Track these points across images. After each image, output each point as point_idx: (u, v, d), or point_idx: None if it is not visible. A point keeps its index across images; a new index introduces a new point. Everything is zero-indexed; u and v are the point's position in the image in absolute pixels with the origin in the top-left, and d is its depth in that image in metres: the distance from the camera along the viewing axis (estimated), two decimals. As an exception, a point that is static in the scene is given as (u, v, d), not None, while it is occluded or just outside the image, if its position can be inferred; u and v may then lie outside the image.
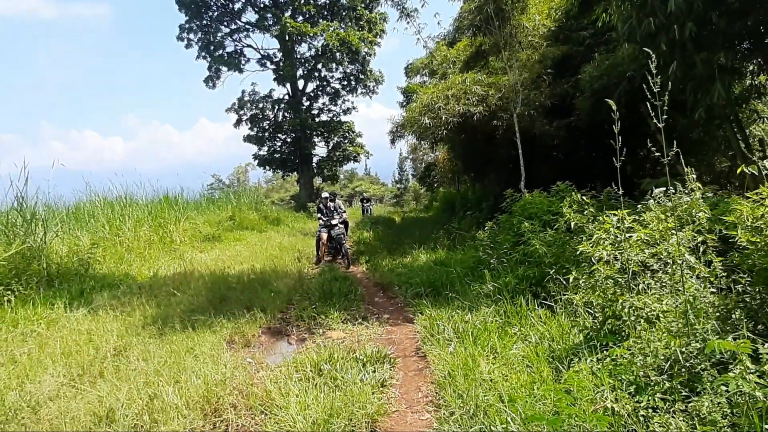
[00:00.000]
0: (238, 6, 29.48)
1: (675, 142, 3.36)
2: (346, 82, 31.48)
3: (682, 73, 6.99)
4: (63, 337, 5.34)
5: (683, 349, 2.93)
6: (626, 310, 3.47)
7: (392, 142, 21.92)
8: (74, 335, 5.44)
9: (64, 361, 4.64)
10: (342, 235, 10.96)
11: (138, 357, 4.69)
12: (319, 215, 11.52)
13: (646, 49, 3.59)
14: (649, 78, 3.21)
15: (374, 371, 4.29)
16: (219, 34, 29.57)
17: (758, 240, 3.21)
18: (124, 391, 3.84)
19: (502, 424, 2.93)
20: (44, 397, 3.89)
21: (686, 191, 3.76)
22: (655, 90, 3.17)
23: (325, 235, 11.09)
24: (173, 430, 3.32)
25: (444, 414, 3.42)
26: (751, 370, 2.42)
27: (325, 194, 11.90)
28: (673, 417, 2.59)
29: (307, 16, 29.60)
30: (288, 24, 26.68)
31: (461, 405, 3.38)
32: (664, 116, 3.22)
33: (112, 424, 3.39)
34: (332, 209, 11.47)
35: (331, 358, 4.49)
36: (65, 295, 7.11)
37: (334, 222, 11.08)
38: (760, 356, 2.51)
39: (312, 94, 31.48)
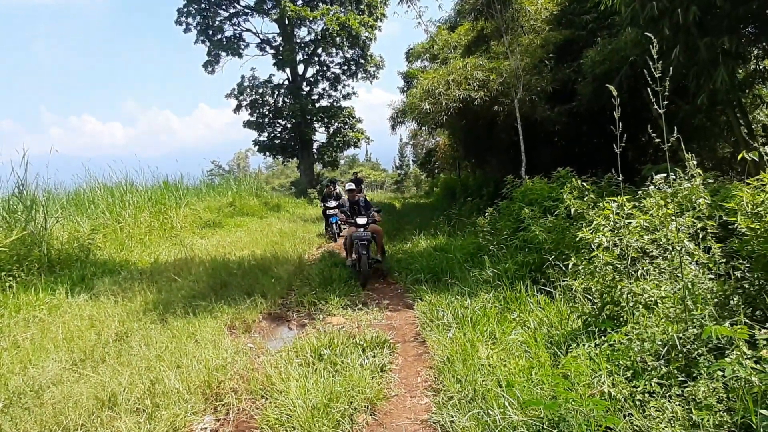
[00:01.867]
0: (236, -11, 29.11)
1: (676, 128, 3.34)
2: (346, 67, 31.18)
3: (685, 58, 6.92)
4: (65, 323, 5.38)
5: (680, 335, 2.95)
6: (625, 296, 3.49)
7: (393, 128, 21.87)
8: (76, 321, 5.47)
9: (66, 346, 4.68)
10: (366, 243, 7.43)
11: (139, 342, 4.72)
12: (343, 209, 8.57)
13: (648, 34, 3.55)
14: (651, 63, 3.18)
15: (374, 356, 4.32)
16: (218, 18, 29.18)
17: (758, 226, 3.21)
18: (126, 375, 3.87)
19: (500, 408, 2.95)
20: (47, 381, 3.93)
21: (687, 177, 3.75)
22: (656, 75, 3.14)
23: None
24: (175, 414, 3.36)
25: (442, 398, 3.45)
26: (748, 356, 2.43)
27: (349, 185, 8.99)
28: (669, 401, 2.62)
29: (307, -1, 29.25)
30: (287, 7, 26.34)
31: (460, 390, 3.42)
32: (665, 102, 3.19)
33: (115, 408, 3.43)
34: (361, 205, 8.59)
35: (331, 343, 4.53)
36: (66, 281, 7.14)
37: (361, 221, 7.86)
38: (757, 342, 2.52)
39: (312, 80, 31.21)
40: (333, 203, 12.43)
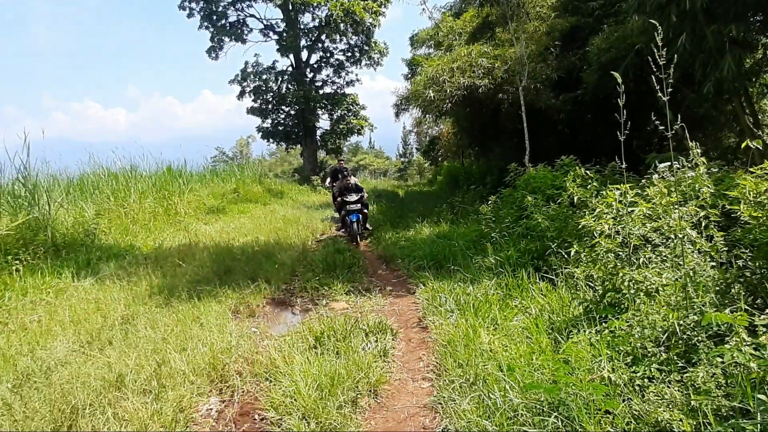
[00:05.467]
0: (240, -26, 28.80)
1: (681, 116, 3.33)
2: (350, 54, 30.95)
3: (691, 46, 6.86)
4: (71, 306, 5.44)
5: (681, 322, 2.97)
6: (626, 283, 3.50)
7: (396, 115, 21.62)
8: (82, 304, 5.54)
9: (73, 329, 4.75)
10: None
11: (145, 325, 4.78)
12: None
13: (654, 22, 3.52)
14: (656, 50, 3.16)
15: (377, 341, 4.37)
16: (221, 3, 28.93)
17: (760, 215, 3.22)
18: (133, 357, 3.93)
19: (501, 391, 2.99)
20: (55, 362, 3.99)
21: (690, 166, 3.75)
22: (660, 63, 3.12)
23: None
24: (181, 395, 3.42)
25: (444, 382, 3.50)
26: (747, 342, 2.46)
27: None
28: (668, 387, 2.65)
29: (311, -16, 28.92)
30: (291, -8, 26.12)
31: (461, 374, 3.46)
32: (671, 90, 3.18)
33: (122, 388, 3.49)
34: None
35: (334, 328, 4.57)
36: (72, 264, 7.19)
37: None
38: (756, 328, 2.54)
39: (315, 66, 31.01)
40: (354, 197, 10.15)
